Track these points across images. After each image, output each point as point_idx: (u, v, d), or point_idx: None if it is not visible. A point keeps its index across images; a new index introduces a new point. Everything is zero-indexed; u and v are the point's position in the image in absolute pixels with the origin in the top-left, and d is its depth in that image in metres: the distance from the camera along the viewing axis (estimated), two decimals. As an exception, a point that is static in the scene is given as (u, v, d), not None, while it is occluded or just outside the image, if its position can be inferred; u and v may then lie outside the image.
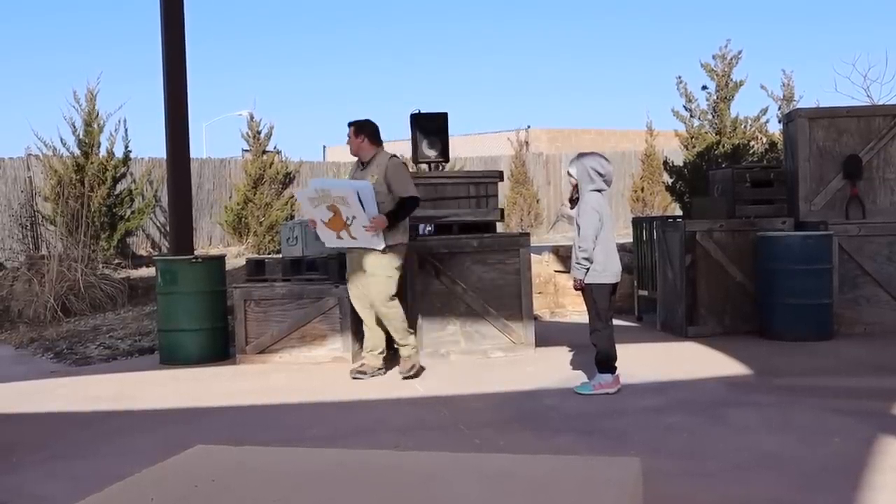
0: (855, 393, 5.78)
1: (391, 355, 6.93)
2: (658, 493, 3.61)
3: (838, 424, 4.93)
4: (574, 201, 6.08)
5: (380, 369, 6.79)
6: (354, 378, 6.67)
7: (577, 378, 6.33)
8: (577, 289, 6.08)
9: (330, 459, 2.75)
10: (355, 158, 6.96)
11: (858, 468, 4.05)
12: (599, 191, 5.96)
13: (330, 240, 6.69)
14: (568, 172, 6.18)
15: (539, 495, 2.29)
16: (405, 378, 6.62)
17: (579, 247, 5.89)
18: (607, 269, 5.92)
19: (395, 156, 6.84)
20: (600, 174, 5.93)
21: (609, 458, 2.84)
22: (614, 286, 6.05)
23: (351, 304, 7.31)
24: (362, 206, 6.33)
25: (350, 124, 6.82)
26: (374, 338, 6.79)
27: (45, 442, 5.27)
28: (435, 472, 2.53)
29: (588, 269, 5.87)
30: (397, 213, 6.59)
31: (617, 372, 5.98)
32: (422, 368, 6.90)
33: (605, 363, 5.96)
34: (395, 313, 6.66)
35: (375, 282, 6.59)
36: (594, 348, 6.02)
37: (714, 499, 3.75)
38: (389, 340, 6.84)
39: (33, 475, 4.58)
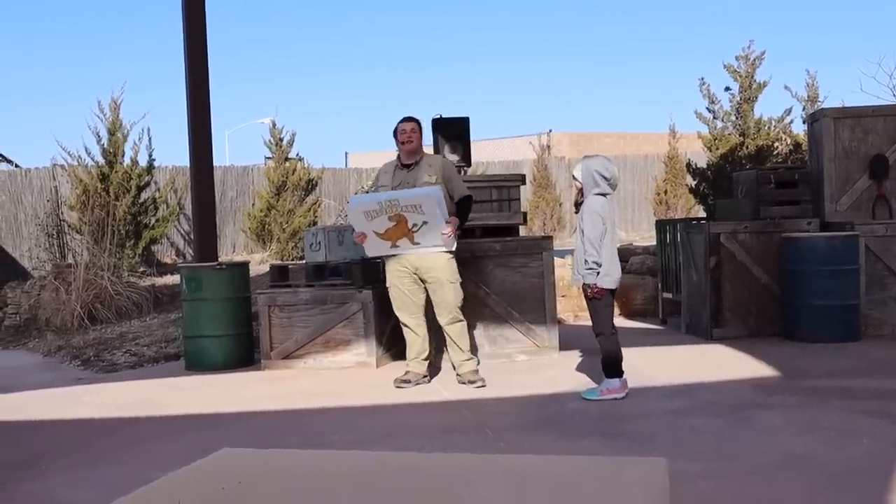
0: (883, 394, 5.72)
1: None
2: (683, 495, 3.59)
3: (866, 426, 4.88)
4: (578, 205, 6.03)
5: (424, 377, 6.67)
6: (399, 387, 6.51)
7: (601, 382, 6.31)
8: (590, 297, 5.89)
9: (355, 462, 2.76)
10: (384, 162, 6.86)
11: (887, 470, 4.00)
12: (604, 194, 5.88)
13: (381, 249, 6.54)
14: (573, 176, 6.12)
15: (564, 495, 2.29)
16: (479, 387, 6.41)
17: (586, 251, 5.78)
18: (609, 275, 5.83)
19: (447, 158, 6.81)
20: (605, 178, 5.86)
21: (635, 458, 2.82)
22: (614, 292, 5.99)
23: (375, 309, 7.34)
24: (438, 210, 6.29)
25: (412, 119, 6.62)
26: (417, 344, 6.64)
27: (72, 448, 5.32)
28: (459, 472, 2.53)
29: (598, 272, 5.79)
30: (464, 213, 6.59)
31: (624, 376, 5.92)
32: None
33: (613, 367, 5.89)
34: (464, 321, 6.61)
35: (453, 288, 6.49)
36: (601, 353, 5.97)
37: (739, 500, 3.73)
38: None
39: (61, 481, 4.62)
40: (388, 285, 6.68)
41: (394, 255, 6.53)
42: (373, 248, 6.57)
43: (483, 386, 6.44)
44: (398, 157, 6.72)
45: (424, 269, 6.47)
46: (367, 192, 6.74)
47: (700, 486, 3.89)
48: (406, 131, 6.56)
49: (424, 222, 6.31)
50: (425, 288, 6.56)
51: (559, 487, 2.36)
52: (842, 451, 4.43)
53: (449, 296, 6.49)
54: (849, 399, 5.56)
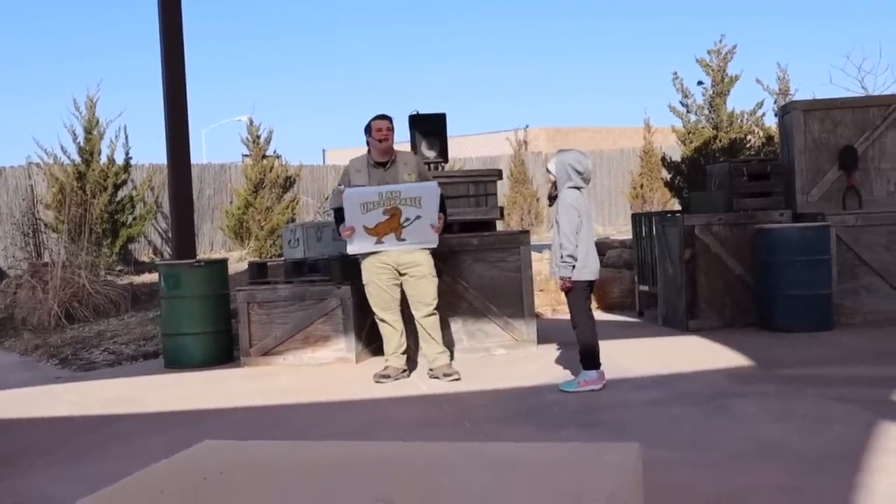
0: (855, 381, 5.83)
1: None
2: (661, 483, 3.66)
3: (839, 412, 4.98)
4: (553, 198, 6.09)
5: (403, 371, 6.73)
6: (378, 382, 6.56)
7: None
8: (563, 289, 6.01)
9: (336, 452, 2.80)
10: (354, 158, 6.90)
11: (859, 453, 4.09)
12: (578, 188, 5.95)
13: (365, 246, 6.55)
14: (547, 169, 6.18)
15: (541, 480, 2.34)
16: (454, 380, 6.48)
17: (561, 244, 5.85)
18: (587, 267, 5.91)
19: (421, 152, 6.90)
20: (578, 172, 5.92)
21: (609, 444, 2.89)
22: (592, 283, 6.07)
23: (354, 305, 7.37)
24: (435, 204, 6.40)
25: (387, 117, 6.65)
26: (395, 339, 6.70)
27: (53, 445, 5.32)
28: (439, 460, 2.59)
29: (574, 266, 5.86)
30: (444, 210, 6.67)
31: (602, 368, 5.99)
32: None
33: (589, 359, 5.97)
34: (437, 314, 6.69)
35: (432, 282, 6.59)
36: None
37: (716, 487, 3.79)
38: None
39: (44, 478, 4.63)
40: (364, 282, 6.70)
41: (373, 253, 6.56)
42: (357, 243, 6.58)
43: (458, 379, 6.49)
44: (368, 154, 6.73)
45: (406, 263, 6.52)
46: (341, 188, 6.70)
47: (678, 473, 3.96)
48: (382, 129, 6.57)
49: (418, 217, 6.41)
50: (401, 283, 6.61)
51: (537, 473, 2.42)
52: (816, 436, 4.51)
53: (428, 289, 6.56)
54: (822, 386, 5.66)
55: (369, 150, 6.73)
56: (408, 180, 6.55)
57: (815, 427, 4.69)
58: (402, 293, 6.67)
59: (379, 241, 6.50)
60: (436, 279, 6.64)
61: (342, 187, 6.75)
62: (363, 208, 6.45)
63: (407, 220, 6.42)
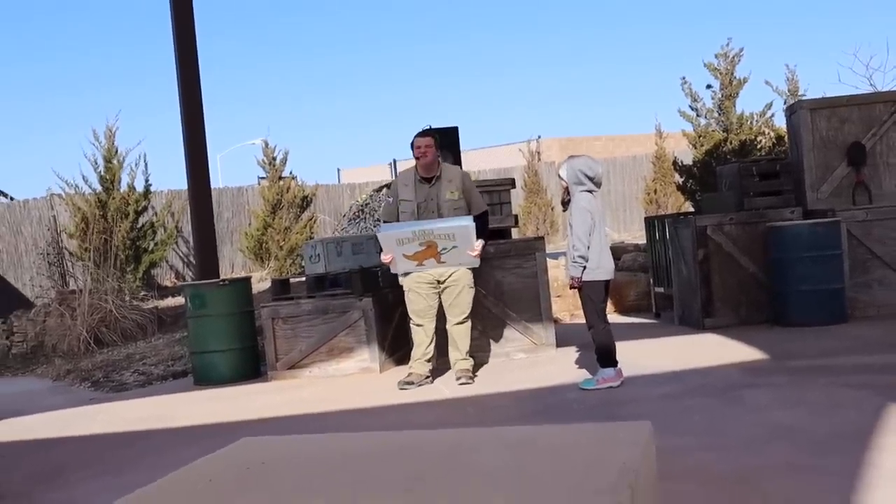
0: (867, 369, 5.96)
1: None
2: (677, 466, 3.82)
3: (850, 397, 5.12)
4: (566, 203, 6.29)
5: (427, 377, 6.89)
6: (402, 389, 6.73)
7: (599, 373, 6.54)
8: (573, 287, 6.22)
9: (368, 442, 2.99)
10: (403, 171, 7.02)
11: (868, 433, 4.23)
12: (590, 191, 6.15)
13: (406, 268, 6.77)
14: (558, 175, 6.37)
15: (558, 454, 2.52)
16: (462, 384, 6.69)
17: (573, 245, 6.07)
18: (601, 266, 6.11)
19: (463, 170, 7.04)
20: (589, 176, 6.13)
21: (622, 423, 3.06)
22: (608, 283, 6.24)
23: (376, 316, 7.56)
24: (470, 239, 6.55)
25: (427, 133, 6.83)
26: (425, 345, 6.87)
27: (91, 461, 5.53)
28: (462, 444, 2.76)
29: (585, 267, 6.05)
30: (483, 228, 6.83)
31: (619, 365, 6.17)
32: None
33: (606, 357, 6.14)
34: (469, 323, 6.91)
35: (469, 293, 6.81)
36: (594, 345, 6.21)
37: (730, 468, 3.95)
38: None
39: (83, 490, 4.83)
40: (405, 289, 6.90)
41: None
42: (399, 266, 6.80)
43: (466, 383, 6.70)
44: (415, 168, 6.92)
45: (447, 276, 6.76)
46: (366, 203, 6.93)
47: (694, 458, 4.12)
48: (420, 147, 6.77)
49: (454, 247, 6.59)
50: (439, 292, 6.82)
51: (553, 450, 2.59)
52: (827, 420, 4.66)
53: (465, 299, 6.81)
54: (834, 375, 5.79)
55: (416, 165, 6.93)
56: (451, 197, 6.74)
57: (826, 412, 4.83)
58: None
59: (420, 265, 6.72)
60: (472, 290, 6.86)
61: (391, 199, 7.01)
62: (398, 243, 6.65)
63: (444, 249, 6.61)
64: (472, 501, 2.19)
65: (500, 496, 2.20)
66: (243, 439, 3.16)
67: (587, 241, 6.01)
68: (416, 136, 6.85)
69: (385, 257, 6.78)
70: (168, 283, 17.55)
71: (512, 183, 8.55)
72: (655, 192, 20.72)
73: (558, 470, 2.36)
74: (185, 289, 8.73)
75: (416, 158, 6.80)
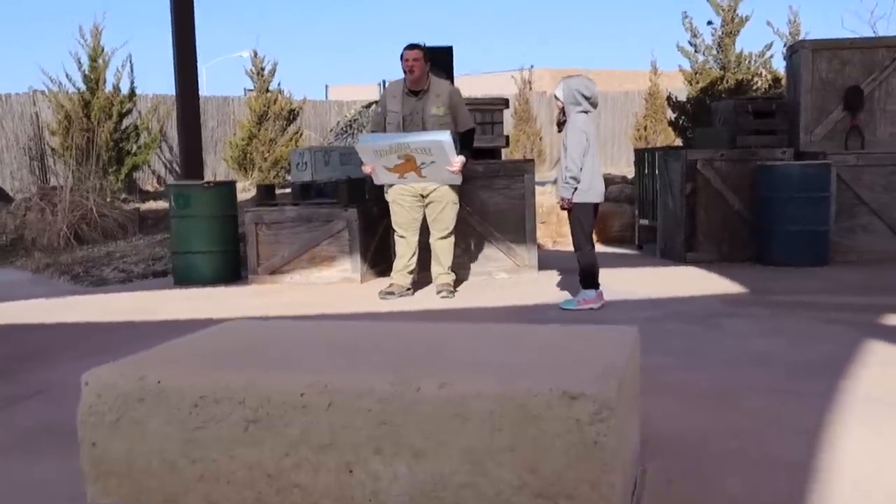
0: (847, 307, 6.01)
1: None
2: (657, 382, 3.85)
3: (828, 331, 5.17)
4: (561, 124, 6.22)
5: (408, 289, 6.92)
6: (383, 298, 6.77)
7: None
8: (563, 208, 6.20)
9: (355, 330, 2.98)
10: (390, 83, 6.94)
11: (843, 365, 4.28)
12: (585, 112, 6.09)
13: (388, 179, 6.76)
14: (554, 96, 6.28)
15: (546, 350, 2.52)
16: (444, 297, 6.76)
17: (566, 167, 6.02)
18: (592, 189, 6.07)
19: (454, 85, 6.92)
20: (585, 96, 6.05)
21: (609, 326, 3.07)
22: (597, 206, 6.22)
23: (360, 227, 7.53)
24: (447, 154, 6.47)
25: (415, 47, 6.70)
26: (407, 257, 6.88)
27: (75, 343, 5.54)
28: (451, 335, 2.77)
29: (576, 188, 6.01)
30: (468, 144, 6.79)
31: (600, 288, 6.19)
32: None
33: (590, 279, 6.16)
34: (452, 238, 6.90)
35: (452, 208, 6.79)
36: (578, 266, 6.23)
37: (709, 386, 4.00)
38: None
39: (64, 369, 4.82)
40: (389, 201, 6.88)
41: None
42: (381, 178, 6.78)
43: (447, 297, 6.75)
44: (404, 80, 6.81)
45: (430, 191, 6.72)
46: (354, 120, 6.88)
47: (675, 375, 4.16)
48: (409, 60, 6.66)
49: (432, 161, 6.53)
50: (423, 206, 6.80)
51: (542, 346, 2.60)
52: (804, 349, 4.71)
53: (447, 215, 6.78)
54: (814, 311, 5.84)
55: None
56: (436, 112, 6.66)
57: (804, 342, 4.89)
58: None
59: (401, 178, 6.68)
60: (457, 206, 6.84)
61: (379, 109, 6.94)
62: (377, 154, 6.60)
63: (423, 163, 6.56)
64: (459, 382, 2.20)
65: (487, 377, 2.21)
66: (225, 323, 3.15)
67: (581, 162, 5.96)
68: (405, 49, 6.73)
69: (366, 168, 6.76)
70: (150, 188, 17.41)
71: (505, 103, 8.48)
72: (646, 128, 20.64)
73: (546, 362, 2.37)
74: (169, 188, 8.64)
75: (406, 71, 6.69)
